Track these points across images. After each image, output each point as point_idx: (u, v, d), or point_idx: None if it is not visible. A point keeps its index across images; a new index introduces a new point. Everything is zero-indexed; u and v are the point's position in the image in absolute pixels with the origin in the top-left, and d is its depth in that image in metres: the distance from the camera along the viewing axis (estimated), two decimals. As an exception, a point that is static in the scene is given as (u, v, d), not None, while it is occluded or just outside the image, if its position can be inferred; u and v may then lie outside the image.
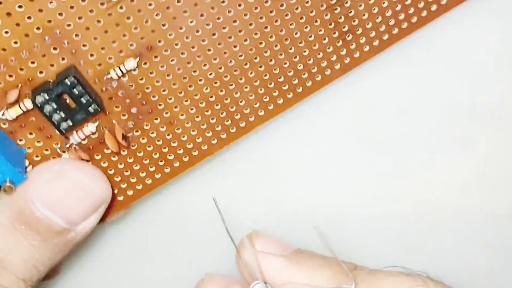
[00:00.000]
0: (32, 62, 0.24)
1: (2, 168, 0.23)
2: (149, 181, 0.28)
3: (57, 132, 0.25)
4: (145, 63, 0.25)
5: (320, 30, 0.26)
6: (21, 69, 0.24)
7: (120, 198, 0.28)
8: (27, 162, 0.25)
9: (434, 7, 0.27)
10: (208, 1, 0.24)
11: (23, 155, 0.25)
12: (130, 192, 0.28)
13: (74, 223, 0.25)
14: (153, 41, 0.24)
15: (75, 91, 0.24)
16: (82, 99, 0.24)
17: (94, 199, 0.25)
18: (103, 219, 0.27)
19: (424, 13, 0.27)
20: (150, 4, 0.24)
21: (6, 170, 0.23)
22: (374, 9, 0.27)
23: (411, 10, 0.27)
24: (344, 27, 0.27)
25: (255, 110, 0.27)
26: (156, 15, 0.24)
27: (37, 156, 0.25)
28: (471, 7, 0.28)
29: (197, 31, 0.25)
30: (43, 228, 0.24)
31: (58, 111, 0.24)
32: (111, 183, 0.27)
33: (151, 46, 0.25)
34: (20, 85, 0.24)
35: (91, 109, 0.24)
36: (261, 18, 0.25)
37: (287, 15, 0.26)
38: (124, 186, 0.28)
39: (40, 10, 0.23)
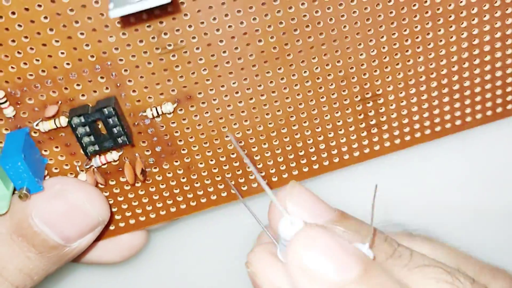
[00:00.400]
0: (78, 85, 0.25)
1: (22, 176, 0.24)
2: (153, 215, 0.29)
3: (82, 152, 0.26)
4: (180, 110, 0.26)
5: (349, 118, 0.28)
6: (66, 88, 0.25)
7: (122, 224, 0.29)
8: (45, 173, 0.26)
9: (458, 122, 0.29)
10: (255, 69, 0.25)
11: (44, 165, 0.26)
12: (132, 221, 0.29)
13: (69, 240, 0.25)
14: (194, 92, 0.26)
15: (110, 121, 0.25)
16: (114, 129, 0.25)
17: (91, 221, 0.26)
18: (99, 238, 0.28)
19: (448, 125, 0.29)
20: (200, 59, 0.25)
21: (27, 177, 0.24)
22: (403, 111, 0.28)
23: (437, 120, 0.29)
24: (372, 120, 0.28)
25: (269, 175, 0.28)
26: (203, 69, 0.25)
27: (56, 168, 0.26)
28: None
29: (237, 92, 0.26)
30: (39, 242, 0.25)
31: (89, 135, 0.25)
32: (117, 209, 0.28)
33: (191, 95, 0.26)
34: (60, 102, 0.25)
35: (120, 140, 0.25)
36: (298, 94, 0.27)
37: (322, 97, 0.27)
38: (128, 214, 0.28)
39: (99, 41, 0.24)
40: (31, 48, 0.23)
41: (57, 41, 0.24)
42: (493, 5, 0.26)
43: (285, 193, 0.23)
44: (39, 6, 0.23)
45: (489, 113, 0.29)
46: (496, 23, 0.27)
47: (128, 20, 0.23)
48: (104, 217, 0.26)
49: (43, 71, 0.24)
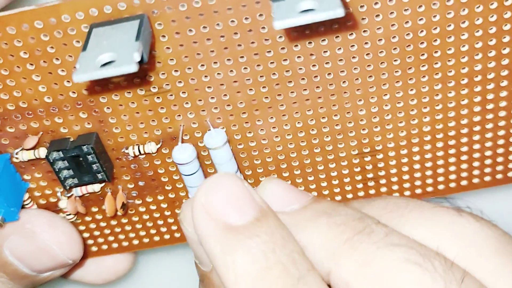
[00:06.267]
0: (59, 118, 0.24)
1: (-2, 205, 0.24)
2: (136, 242, 0.28)
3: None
4: (165, 149, 0.25)
5: (344, 170, 0.26)
6: (47, 120, 0.24)
7: (105, 247, 0.28)
8: (26, 196, 0.26)
9: (464, 183, 0.27)
10: (244, 117, 0.24)
11: (24, 191, 0.26)
12: (115, 245, 0.28)
13: (40, 272, 0.25)
14: (179, 134, 0.24)
15: (90, 158, 0.24)
16: (93, 166, 0.24)
17: (59, 262, 0.25)
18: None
19: (453, 185, 0.27)
20: (187, 103, 0.24)
21: (2, 207, 0.24)
22: (404, 168, 0.26)
23: (441, 179, 0.27)
24: (369, 174, 0.26)
25: (257, 217, 0.27)
26: (190, 113, 0.24)
27: (38, 192, 0.26)
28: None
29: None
30: (10, 271, 0.25)
31: (68, 169, 0.24)
32: (100, 233, 0.28)
33: (176, 137, 0.25)
34: (41, 133, 0.24)
35: (99, 176, 0.25)
36: (290, 144, 0.25)
37: (317, 148, 0.25)
38: (111, 239, 0.28)
39: (81, 79, 0.23)
40: (11, 81, 0.23)
41: (37, 76, 0.23)
42: (513, 71, 0.24)
43: (259, 188, 0.23)
44: (19, 41, 0.22)
45: (499, 176, 0.27)
46: (515, 90, 0.24)
47: (110, 62, 0.22)
48: (74, 258, 0.26)
49: (23, 103, 0.23)
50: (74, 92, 0.23)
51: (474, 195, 0.29)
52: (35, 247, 0.25)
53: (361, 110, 0.24)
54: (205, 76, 0.23)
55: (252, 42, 0.22)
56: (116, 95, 0.23)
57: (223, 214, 0.20)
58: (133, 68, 0.18)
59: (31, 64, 0.22)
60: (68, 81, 0.23)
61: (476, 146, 0.26)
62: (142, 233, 0.28)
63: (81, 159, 0.24)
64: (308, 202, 0.22)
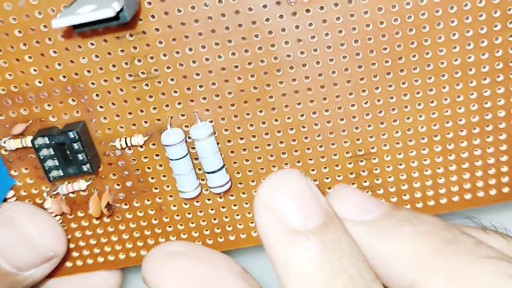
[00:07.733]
0: (49, 105, 0.24)
1: (-23, 194, 0.23)
2: (123, 256, 0.27)
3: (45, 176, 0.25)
4: (153, 144, 0.24)
5: (338, 175, 0.25)
6: (36, 107, 0.24)
7: (90, 261, 0.27)
8: (11, 193, 0.25)
9: (468, 196, 0.25)
10: (233, 109, 0.24)
11: (8, 186, 0.25)
12: (101, 259, 0.27)
13: (21, 269, 0.24)
14: (167, 125, 0.24)
15: (75, 146, 0.24)
16: (79, 155, 0.24)
17: (41, 253, 0.24)
18: (65, 272, 0.27)
19: (456, 198, 0.25)
20: (175, 91, 0.24)
21: (-19, 196, 0.24)
22: (402, 175, 0.25)
23: (442, 190, 0.25)
24: (365, 181, 0.25)
25: (249, 229, 0.26)
26: (178, 103, 0.24)
27: (25, 191, 0.26)
28: None
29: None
30: None
31: (53, 158, 0.24)
32: (86, 243, 0.27)
33: (164, 129, 0.24)
34: (30, 121, 0.24)
35: (84, 168, 0.24)
36: (281, 142, 0.24)
37: (308, 149, 0.25)
38: (97, 251, 0.27)
39: (72, 61, 0.23)
40: (5, 62, 0.23)
41: (30, 57, 0.23)
42: (508, 64, 0.23)
43: (332, 194, 0.22)
44: (14, 19, 0.22)
45: (505, 190, 0.25)
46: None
47: (100, 42, 0.23)
48: (56, 251, 0.25)
49: (15, 87, 0.24)
50: (64, 76, 0.23)
51: (494, 212, 0.27)
52: (15, 237, 0.24)
53: (352, 105, 0.24)
54: (193, 62, 0.23)
55: (240, 25, 0.22)
56: (105, 80, 0.23)
57: (288, 216, 0.19)
58: (110, 12, 0.19)
59: (25, 44, 0.23)
60: (59, 64, 0.23)
61: (477, 152, 0.25)
62: (129, 245, 0.27)
63: (68, 151, 0.24)
64: (388, 210, 0.21)
